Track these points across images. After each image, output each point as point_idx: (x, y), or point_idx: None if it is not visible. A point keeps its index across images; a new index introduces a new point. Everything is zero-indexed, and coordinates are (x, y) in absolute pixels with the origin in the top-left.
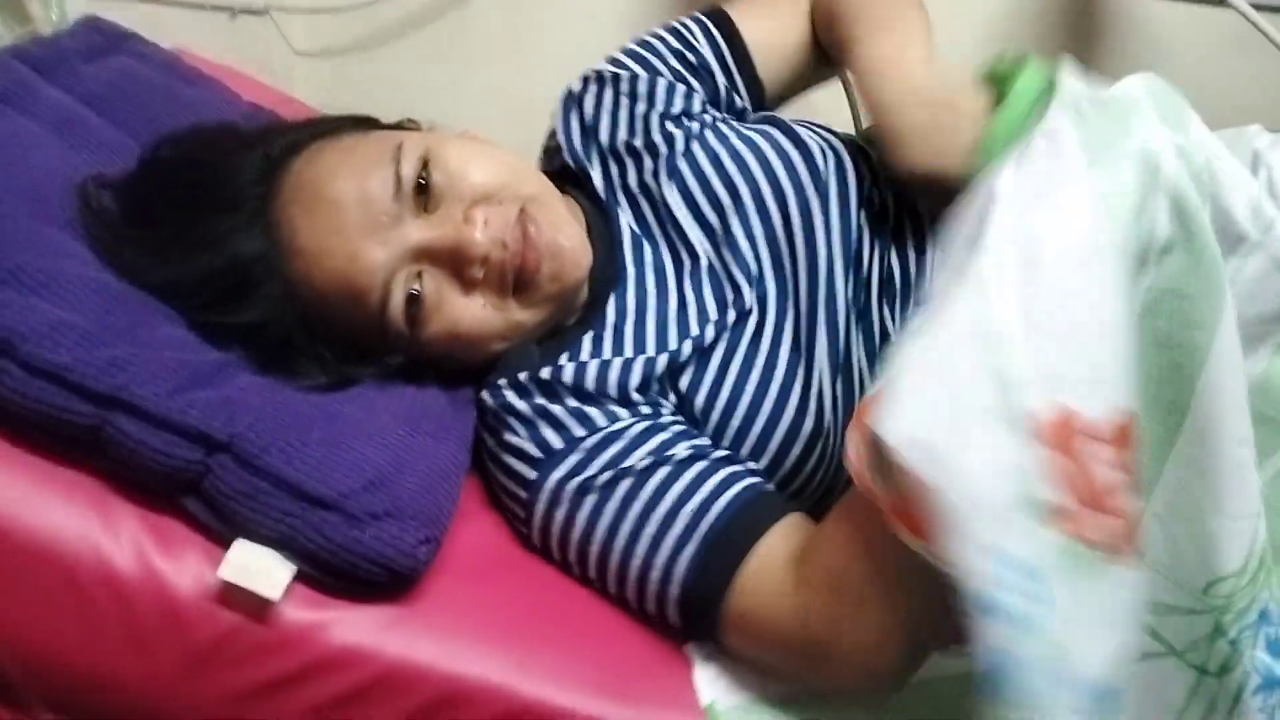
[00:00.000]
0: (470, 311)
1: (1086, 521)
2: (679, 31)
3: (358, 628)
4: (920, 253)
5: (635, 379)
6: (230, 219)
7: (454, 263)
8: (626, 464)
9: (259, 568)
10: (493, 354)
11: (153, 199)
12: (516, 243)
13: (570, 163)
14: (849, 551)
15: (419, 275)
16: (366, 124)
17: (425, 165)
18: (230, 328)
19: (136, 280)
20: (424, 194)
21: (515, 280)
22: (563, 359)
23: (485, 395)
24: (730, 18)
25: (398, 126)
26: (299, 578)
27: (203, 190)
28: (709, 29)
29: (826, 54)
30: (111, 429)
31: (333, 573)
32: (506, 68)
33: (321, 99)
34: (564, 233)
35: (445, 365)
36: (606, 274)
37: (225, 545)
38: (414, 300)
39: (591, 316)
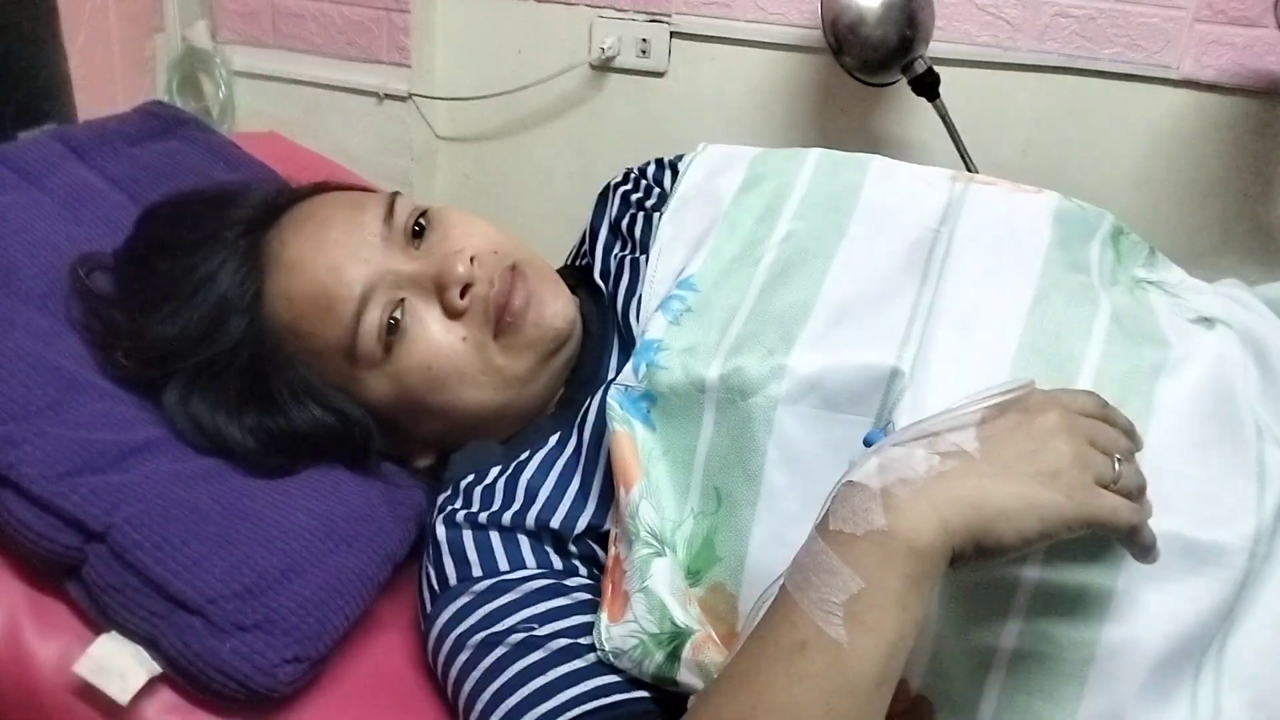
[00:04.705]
0: (448, 341)
1: None
2: None
3: None
4: None
5: (581, 525)
6: (216, 252)
7: (437, 287)
8: (503, 626)
9: (116, 667)
10: (467, 405)
11: (147, 252)
12: (504, 282)
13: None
14: None
15: (400, 303)
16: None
17: (424, 215)
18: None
19: (134, 346)
20: (418, 238)
21: (497, 321)
22: (521, 459)
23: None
24: None
25: None
26: (170, 680)
27: (195, 232)
28: None
29: None
30: None
31: (193, 681)
32: (638, 156)
33: (461, 181)
34: (551, 290)
35: (405, 429)
36: (588, 373)
37: (99, 634)
38: (392, 328)
39: (565, 411)
